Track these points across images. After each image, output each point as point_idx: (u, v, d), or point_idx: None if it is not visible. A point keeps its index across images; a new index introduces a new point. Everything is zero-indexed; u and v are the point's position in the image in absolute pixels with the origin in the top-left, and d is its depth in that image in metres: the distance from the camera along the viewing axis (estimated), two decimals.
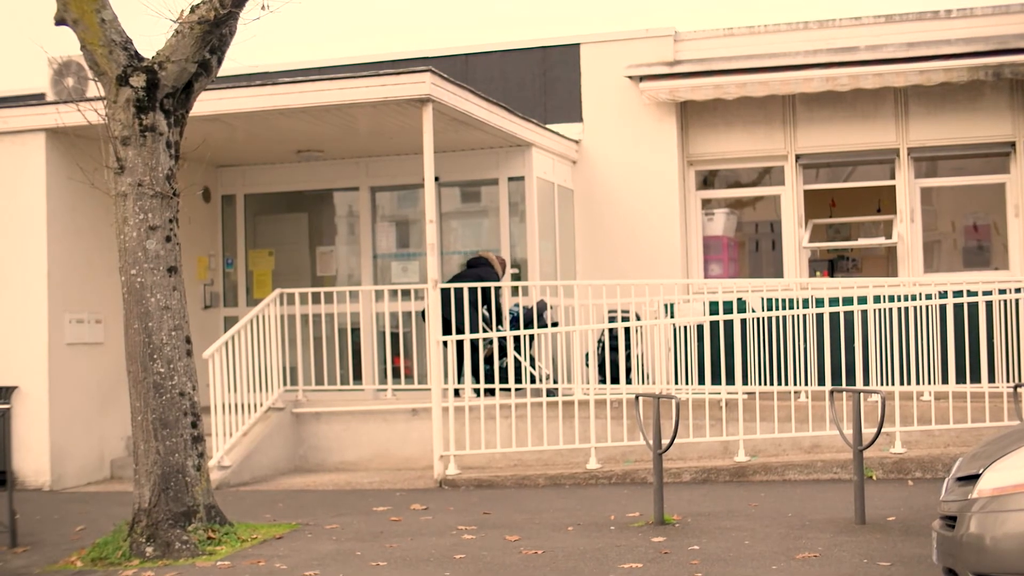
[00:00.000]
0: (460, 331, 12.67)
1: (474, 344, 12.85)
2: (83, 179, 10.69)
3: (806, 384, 12.61)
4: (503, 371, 13.19)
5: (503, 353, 13.37)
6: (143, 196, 9.19)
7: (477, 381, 13.15)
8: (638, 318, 13.30)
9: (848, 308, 12.58)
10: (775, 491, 10.89)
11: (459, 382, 13.00)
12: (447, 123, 13.22)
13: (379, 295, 14.49)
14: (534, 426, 12.37)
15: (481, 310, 13.16)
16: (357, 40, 38.52)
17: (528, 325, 13.45)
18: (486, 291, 13.21)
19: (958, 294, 12.53)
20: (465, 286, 12.79)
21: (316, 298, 14.49)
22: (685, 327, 12.92)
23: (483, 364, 13.09)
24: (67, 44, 10.74)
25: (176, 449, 9.13)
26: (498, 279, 13.75)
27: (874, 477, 11.21)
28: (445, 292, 12.79)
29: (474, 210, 16.06)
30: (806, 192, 15.87)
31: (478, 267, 13.92)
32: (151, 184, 9.19)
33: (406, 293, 14.63)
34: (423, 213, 13.33)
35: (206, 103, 11.25)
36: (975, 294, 12.46)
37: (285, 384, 14.02)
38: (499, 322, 13.71)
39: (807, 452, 12.28)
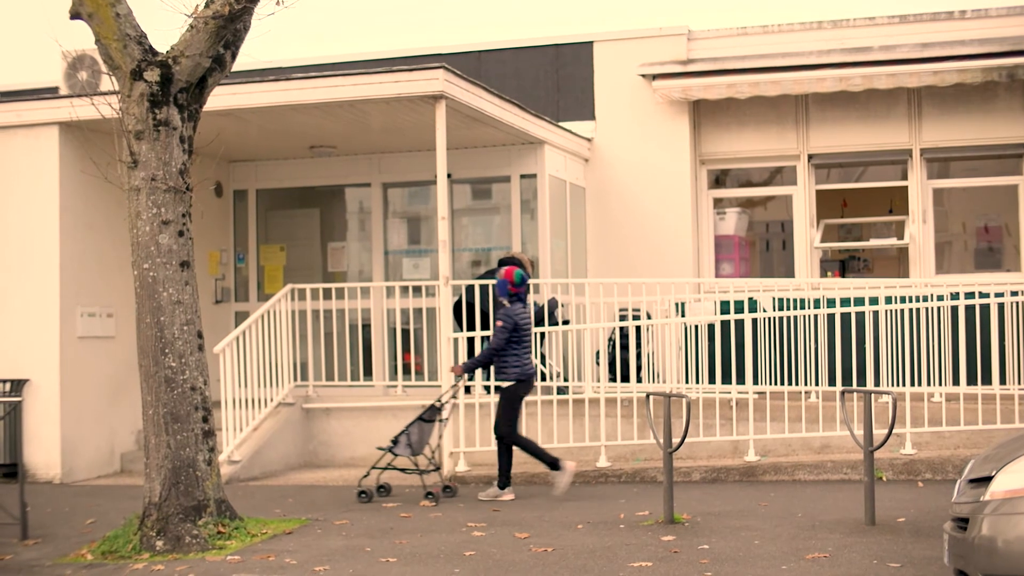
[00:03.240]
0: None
1: None
2: (96, 173, 10.71)
3: (817, 384, 12.59)
4: None
5: None
6: (156, 190, 9.21)
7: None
8: (649, 317, 13.30)
9: (859, 309, 12.56)
10: (785, 491, 10.89)
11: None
12: (460, 120, 13.22)
13: (390, 291, 14.51)
14: (544, 424, 12.37)
15: None
16: (370, 37, 38.54)
17: (539, 323, 13.45)
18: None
19: (969, 295, 12.50)
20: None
21: (327, 294, 14.49)
22: (696, 326, 12.91)
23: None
24: (81, 38, 10.75)
25: (187, 443, 9.15)
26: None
27: (884, 478, 11.20)
28: (481, 288, 12.82)
29: (486, 207, 16.06)
30: (818, 192, 15.84)
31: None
32: (164, 178, 9.21)
33: (417, 289, 14.64)
34: (435, 210, 13.34)
35: (219, 98, 11.27)
36: (986, 295, 12.43)
37: (295, 379, 14.03)
38: None
39: (817, 452, 12.26)
